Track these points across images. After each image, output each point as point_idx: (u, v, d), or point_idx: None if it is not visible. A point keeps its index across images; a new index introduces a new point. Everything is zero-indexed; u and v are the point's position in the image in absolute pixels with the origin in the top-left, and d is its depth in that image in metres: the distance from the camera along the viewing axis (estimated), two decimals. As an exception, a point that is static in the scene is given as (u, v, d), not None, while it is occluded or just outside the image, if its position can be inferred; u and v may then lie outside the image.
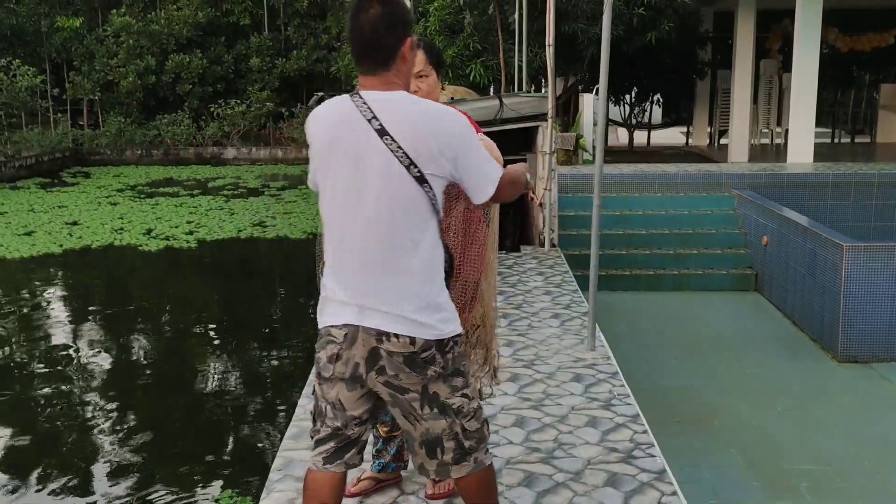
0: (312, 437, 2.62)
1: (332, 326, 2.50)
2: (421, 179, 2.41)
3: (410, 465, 3.54)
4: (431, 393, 2.50)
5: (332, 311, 2.51)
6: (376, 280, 2.45)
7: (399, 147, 2.40)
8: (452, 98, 8.15)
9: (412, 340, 2.43)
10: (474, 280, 2.98)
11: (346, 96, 2.51)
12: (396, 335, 2.43)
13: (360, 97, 2.47)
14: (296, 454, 3.79)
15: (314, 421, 2.61)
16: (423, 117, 2.44)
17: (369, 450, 3.53)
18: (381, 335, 2.44)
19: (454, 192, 2.77)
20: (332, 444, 2.55)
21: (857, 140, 18.39)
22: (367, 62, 2.47)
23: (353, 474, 3.50)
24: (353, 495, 3.37)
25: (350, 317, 2.46)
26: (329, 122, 2.49)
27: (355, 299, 2.46)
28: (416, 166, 2.40)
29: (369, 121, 2.42)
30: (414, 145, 2.40)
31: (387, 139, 2.40)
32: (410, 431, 2.56)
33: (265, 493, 3.48)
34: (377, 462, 3.40)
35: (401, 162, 2.40)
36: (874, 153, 14.67)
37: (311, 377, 2.67)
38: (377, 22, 2.43)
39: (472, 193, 2.56)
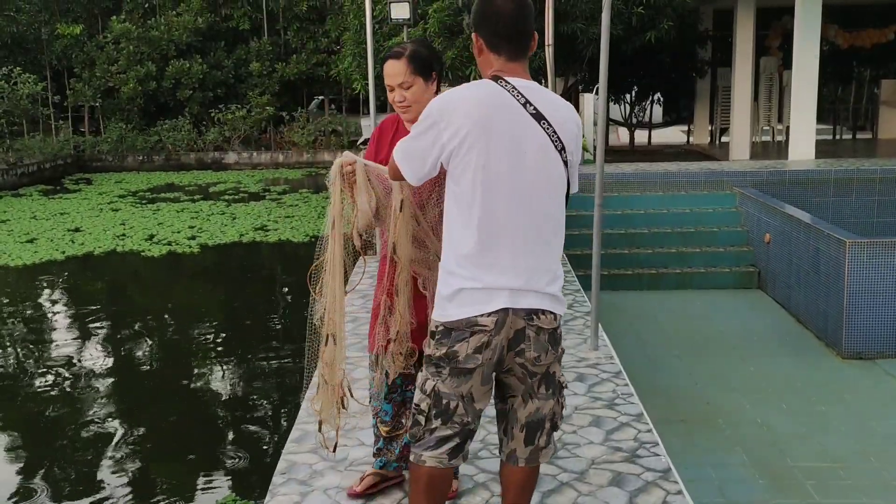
0: (422, 438, 2.55)
1: (479, 316, 2.46)
2: (566, 164, 2.52)
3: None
4: (551, 373, 2.60)
5: (477, 300, 2.46)
6: (535, 262, 2.49)
7: (555, 132, 2.47)
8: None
9: (555, 316, 2.55)
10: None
11: (487, 80, 2.52)
12: (544, 312, 2.51)
13: (507, 82, 2.48)
14: (298, 457, 3.78)
15: (429, 420, 2.53)
16: (566, 107, 2.56)
17: (371, 451, 3.52)
18: (531, 314, 2.49)
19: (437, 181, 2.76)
20: (457, 440, 2.55)
21: (858, 136, 18.36)
22: (512, 48, 2.51)
23: (355, 476, 3.49)
24: (359, 495, 3.35)
25: (502, 301, 2.46)
26: (480, 102, 2.46)
27: (509, 282, 2.46)
28: (565, 151, 2.50)
29: (524, 105, 2.45)
30: (563, 132, 2.49)
31: (544, 124, 2.46)
32: (518, 411, 2.60)
33: (268, 496, 3.47)
34: (379, 460, 3.38)
35: (555, 146, 2.48)
36: (875, 149, 14.64)
37: (423, 376, 2.57)
38: (526, 8, 2.50)
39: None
